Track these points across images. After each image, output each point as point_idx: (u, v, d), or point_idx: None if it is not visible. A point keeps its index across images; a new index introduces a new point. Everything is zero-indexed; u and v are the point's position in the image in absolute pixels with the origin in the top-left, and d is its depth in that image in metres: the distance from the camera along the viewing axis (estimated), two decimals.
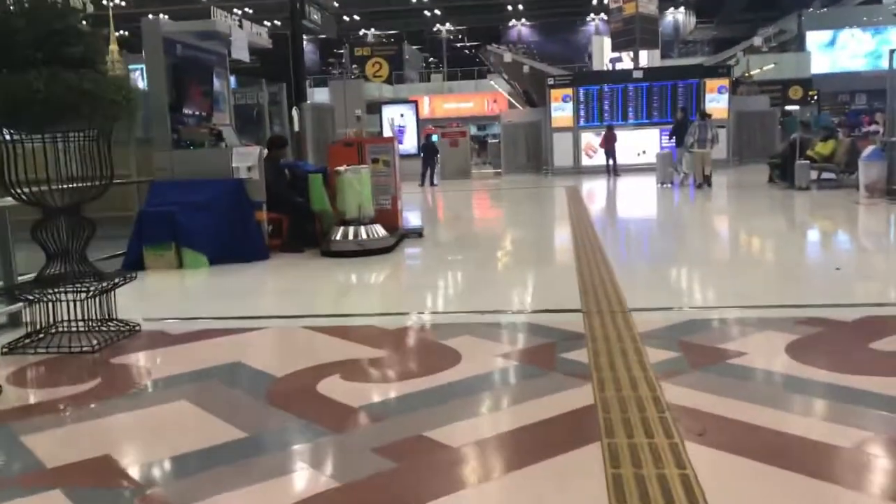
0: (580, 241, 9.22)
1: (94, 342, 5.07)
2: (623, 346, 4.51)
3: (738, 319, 5.22)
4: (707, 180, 16.86)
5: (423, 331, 5.20)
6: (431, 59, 64.31)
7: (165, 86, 8.87)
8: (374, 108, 26.12)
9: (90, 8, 5.83)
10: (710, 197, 15.42)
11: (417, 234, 10.23)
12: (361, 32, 61.52)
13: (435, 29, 61.34)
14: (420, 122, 26.09)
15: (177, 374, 4.42)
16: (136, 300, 6.86)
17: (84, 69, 4.88)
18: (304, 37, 62.00)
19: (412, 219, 12.90)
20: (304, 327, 5.43)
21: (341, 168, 8.95)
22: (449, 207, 16.79)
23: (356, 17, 59.68)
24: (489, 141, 34.36)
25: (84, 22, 5.16)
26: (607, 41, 43.79)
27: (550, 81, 24.77)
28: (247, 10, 45.49)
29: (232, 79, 15.67)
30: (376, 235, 8.86)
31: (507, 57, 27.16)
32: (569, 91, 24.72)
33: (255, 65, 13.02)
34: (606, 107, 24.62)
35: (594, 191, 19.13)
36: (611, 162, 22.37)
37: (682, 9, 57.13)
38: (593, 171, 23.57)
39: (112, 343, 5.15)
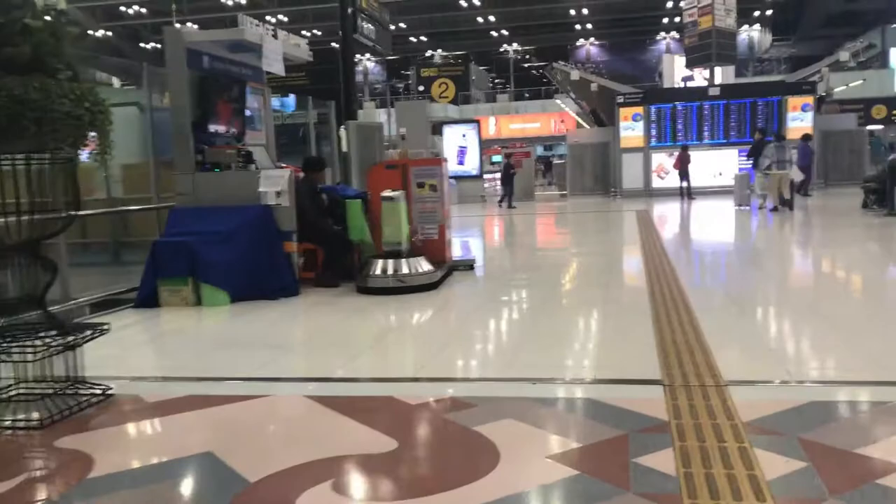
0: (655, 278, 7.90)
1: (45, 414, 4.02)
2: (724, 446, 3.24)
3: (878, 404, 3.87)
4: (788, 204, 15.66)
5: (454, 408, 4.00)
6: (498, 79, 63.35)
7: (189, 101, 7.92)
8: (439, 129, 25.19)
9: (62, 3, 4.91)
10: (798, 223, 13.86)
11: (468, 266, 9.05)
12: (428, 53, 60.99)
13: (502, 49, 60.38)
14: (482, 143, 24.93)
15: (120, 473, 3.32)
16: (127, 347, 5.86)
17: (32, 74, 3.87)
18: (372, 58, 61.68)
19: (464, 247, 11.74)
20: (309, 396, 4.29)
21: (387, 192, 7.85)
22: (509, 232, 15.57)
23: (423, 39, 59.18)
24: (554, 161, 33.04)
25: (48, 17, 4.15)
26: (679, 60, 42.05)
27: (620, 99, 23.39)
28: (281, 17, 45.18)
29: (291, 98, 14.90)
30: (419, 270, 7.72)
31: (575, 74, 25.89)
32: (639, 109, 23.29)
33: (304, 82, 12.09)
34: (680, 126, 23.11)
35: (667, 215, 17.67)
36: (684, 184, 20.85)
37: (757, 26, 54.94)
38: (665, 194, 22.06)
39: (70, 414, 4.10)
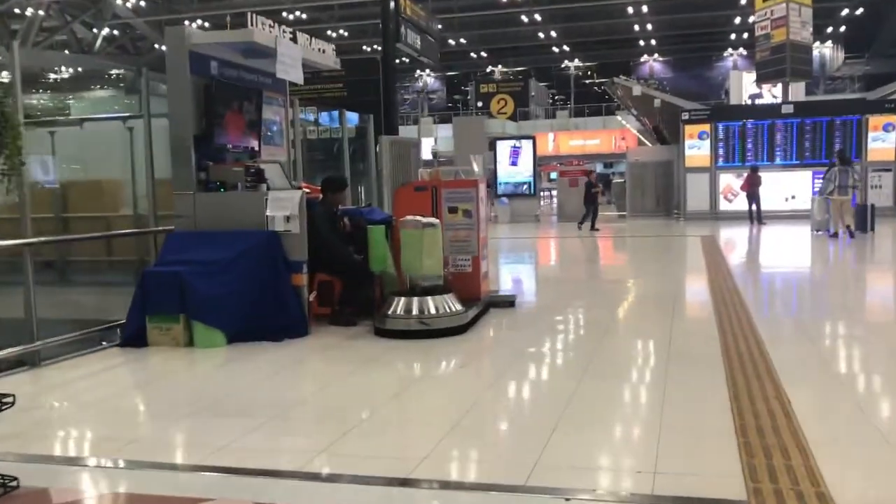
0: (728, 326, 6.59)
1: None
2: None
3: None
4: (849, 231, 14.80)
5: None
6: (558, 95, 61.98)
7: (192, 111, 6.92)
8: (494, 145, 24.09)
9: None
10: (883, 253, 12.29)
11: (508, 303, 7.86)
12: (489, 69, 60.00)
13: (563, 65, 59.02)
14: (538, 159, 23.70)
15: None
16: (69, 410, 4.81)
17: None
18: (431, 73, 60.91)
19: (506, 279, 10.52)
20: None
21: (411, 218, 6.72)
22: (560, 259, 14.29)
23: (483, 54, 58.15)
24: (613, 180, 31.54)
25: None
26: (747, 76, 40.14)
27: (685, 116, 21.89)
28: (342, 32, 44.36)
29: (329, 115, 13.90)
30: (447, 310, 6.54)
31: (637, 90, 24.50)
32: (706, 127, 21.75)
33: (341, 94, 11.07)
34: (749, 145, 21.49)
35: (736, 241, 16.15)
36: (754, 207, 19.27)
37: (829, 43, 52.49)
38: (732, 217, 20.46)
39: None
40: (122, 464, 3.74)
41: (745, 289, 9.03)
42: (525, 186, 22.95)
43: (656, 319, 7.29)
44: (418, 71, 59.07)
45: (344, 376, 5.41)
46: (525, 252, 15.64)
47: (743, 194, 20.18)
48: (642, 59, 60.29)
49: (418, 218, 6.71)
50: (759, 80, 26.24)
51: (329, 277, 7.32)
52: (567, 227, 20.78)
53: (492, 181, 23.48)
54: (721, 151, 21.67)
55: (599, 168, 49.53)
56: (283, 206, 6.70)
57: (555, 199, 28.71)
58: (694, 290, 9.57)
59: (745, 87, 38.51)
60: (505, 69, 59.24)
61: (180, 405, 4.79)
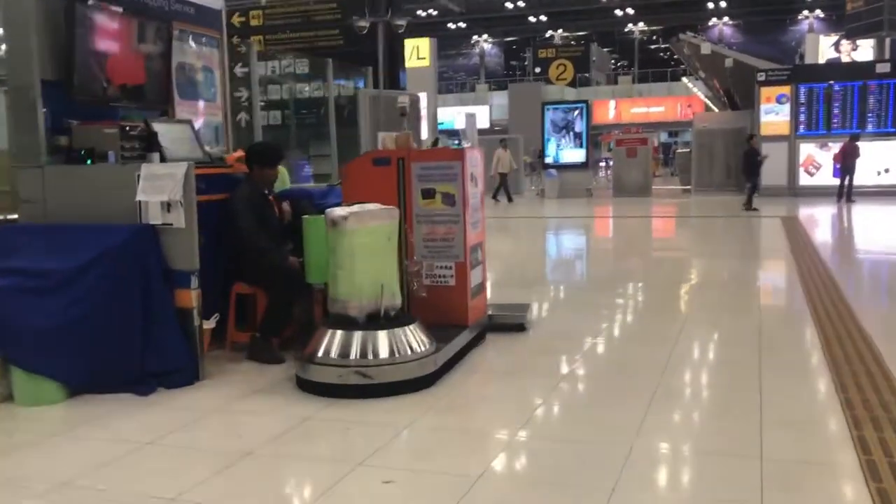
0: (828, 327, 4.00)
1: None
2: None
3: None
4: None
5: None
6: (621, 61, 58.29)
7: (41, 44, 4.58)
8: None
9: None
10: None
11: (518, 326, 5.38)
12: (548, 34, 56.59)
13: (626, 29, 55.22)
14: (592, 127, 20.89)
15: None
16: None
17: None
18: (490, 39, 58.15)
19: (524, 284, 8.00)
20: None
21: (340, 211, 4.26)
22: (602, 248, 11.64)
23: (543, 18, 54.76)
24: (677, 150, 28.45)
25: None
26: (824, 40, 36.25)
27: (761, 77, 18.81)
28: None
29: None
30: (407, 351, 4.10)
31: (706, 48, 21.37)
32: (785, 89, 18.65)
33: (336, 43, 8.66)
34: (836, 110, 18.34)
35: (826, 224, 13.27)
36: (846, 182, 16.25)
37: None
38: (814, 193, 17.43)
39: None
40: None
41: (849, 292, 6.35)
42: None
43: (735, 363, 4.68)
44: (475, 37, 56.11)
45: (205, 483, 3.01)
46: (561, 236, 13.03)
47: (828, 167, 17.17)
48: (711, 23, 55.96)
49: (343, 211, 4.23)
50: (850, 35, 22.70)
51: (251, 289, 4.96)
52: (621, 203, 18.02)
53: (541, 150, 20.85)
54: (802, 117, 18.59)
55: (664, 137, 46.19)
56: (159, 188, 4.33)
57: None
58: (779, 295, 6.92)
59: (823, 51, 34.70)
60: (565, 34, 55.75)
61: None
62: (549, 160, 20.33)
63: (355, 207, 4.33)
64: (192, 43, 5.79)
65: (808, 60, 34.66)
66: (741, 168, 15.72)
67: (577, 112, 20.32)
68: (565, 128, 20.18)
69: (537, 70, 51.88)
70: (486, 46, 57.40)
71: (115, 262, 4.21)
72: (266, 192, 5.11)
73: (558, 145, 20.27)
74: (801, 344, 5.09)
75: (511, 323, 5.41)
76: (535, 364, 4.67)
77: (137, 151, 4.80)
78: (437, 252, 4.82)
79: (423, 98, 27.77)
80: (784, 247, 9.81)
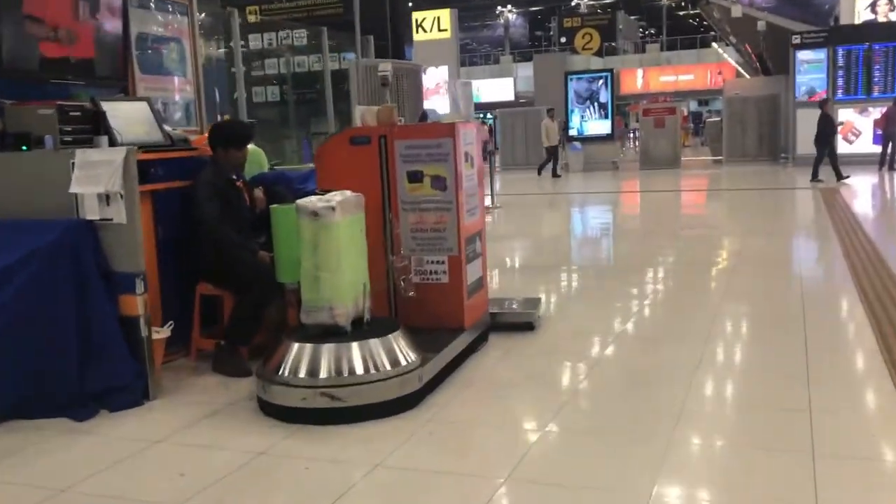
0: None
1: None
2: None
3: None
4: None
5: None
6: (649, 29, 56.63)
7: None
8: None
9: None
10: None
11: (527, 325, 4.69)
12: (574, 2, 55.10)
13: None
14: (616, 98, 19.94)
15: None
16: None
17: None
18: (513, 9, 57.05)
19: (538, 271, 7.29)
20: None
21: (321, 199, 3.58)
22: (628, 230, 10.85)
23: None
24: (707, 119, 27.34)
25: None
26: (859, 1, 34.68)
27: (796, 40, 17.73)
28: None
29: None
30: (384, 366, 3.43)
31: (737, 10, 20.23)
32: (822, 53, 17.56)
33: (336, 11, 7.98)
34: (877, 73, 17.23)
35: (867, 194, 12.33)
36: (889, 149, 15.25)
37: None
38: (853, 162, 16.36)
39: None
40: None
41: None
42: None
43: (782, 383, 3.96)
44: (499, 7, 54.82)
45: None
46: (582, 214, 12.25)
47: (867, 134, 16.15)
48: None
49: (326, 200, 3.55)
50: None
51: (217, 290, 4.32)
52: (650, 175, 17.13)
53: (566, 122, 19.97)
54: (840, 81, 17.49)
55: (693, 106, 44.86)
56: (95, 177, 3.68)
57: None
58: (827, 291, 6.14)
59: (859, 13, 33.19)
60: (591, 2, 54.25)
61: None
62: (573, 132, 19.45)
63: (336, 195, 3.65)
64: (155, 11, 5.12)
65: (844, 22, 33.17)
66: (815, 138, 14.10)
67: (601, 82, 19.39)
68: (589, 98, 19.28)
69: (563, 40, 50.59)
70: (511, 17, 56.10)
71: (46, 263, 3.58)
72: (234, 176, 4.45)
73: (582, 117, 19.38)
74: (856, 349, 4.33)
75: (520, 321, 4.72)
76: (541, 374, 3.97)
77: (83, 135, 4.15)
78: (428, 245, 4.12)
79: (444, 71, 26.96)
80: (824, 221, 8.98)
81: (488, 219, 10.96)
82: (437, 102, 26.02)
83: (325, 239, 3.55)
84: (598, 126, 19.36)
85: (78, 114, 4.14)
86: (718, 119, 22.20)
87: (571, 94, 19.34)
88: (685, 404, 3.41)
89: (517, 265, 7.54)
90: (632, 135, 31.93)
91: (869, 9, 30.27)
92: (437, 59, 26.40)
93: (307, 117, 8.79)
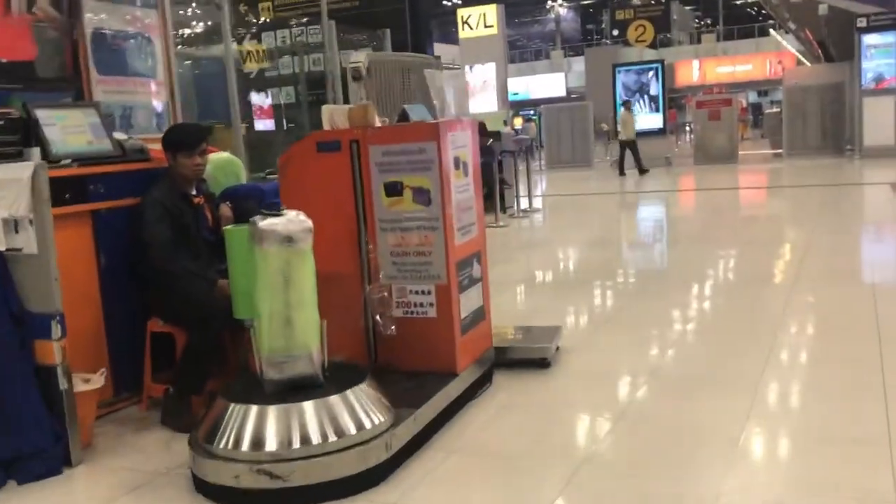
0: None
1: None
2: None
3: None
4: None
5: None
6: (704, 19, 54.75)
7: None
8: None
9: None
10: None
11: (540, 362, 3.90)
12: None
13: None
14: (667, 90, 18.84)
15: None
16: None
17: None
18: (564, 3, 56.01)
19: (564, 287, 6.48)
20: None
21: (280, 224, 2.86)
22: (674, 238, 9.90)
23: None
24: (766, 110, 25.92)
25: None
26: None
27: (861, 23, 16.43)
28: None
29: None
30: (343, 429, 2.70)
31: None
32: (890, 36, 16.24)
33: (353, 3, 7.33)
34: None
35: None
36: None
37: None
38: None
39: None
40: None
41: None
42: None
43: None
44: (549, 2, 53.65)
45: None
46: (625, 219, 11.33)
47: None
48: None
49: (299, 222, 2.83)
50: None
51: (168, 327, 3.64)
52: (705, 171, 16.04)
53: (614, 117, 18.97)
54: None
55: (752, 97, 43.10)
56: (1, 199, 3.03)
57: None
58: None
59: None
60: None
61: None
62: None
63: (291, 213, 2.94)
64: (116, 3, 4.48)
65: None
66: None
67: (651, 73, 18.33)
68: (639, 91, 18.24)
69: (615, 33, 49.14)
70: (562, 11, 54.88)
71: None
72: (191, 191, 3.76)
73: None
74: None
75: (529, 358, 3.93)
76: (549, 434, 3.18)
77: (9, 147, 3.52)
78: (410, 271, 3.37)
79: (492, 68, 26.12)
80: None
81: (524, 223, 10.15)
82: (481, 101, 25.33)
83: (300, 270, 2.86)
84: (650, 120, 18.30)
85: (1, 123, 3.50)
86: (778, 110, 20.90)
87: (620, 88, 18.33)
88: (725, 480, 2.58)
89: (546, 280, 6.71)
90: (687, 128, 30.58)
91: None
92: (484, 56, 25.63)
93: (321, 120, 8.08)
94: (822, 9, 18.45)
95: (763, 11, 38.99)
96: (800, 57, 30.36)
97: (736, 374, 3.70)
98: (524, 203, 11.01)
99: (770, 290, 5.50)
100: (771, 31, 37.32)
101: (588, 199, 13.35)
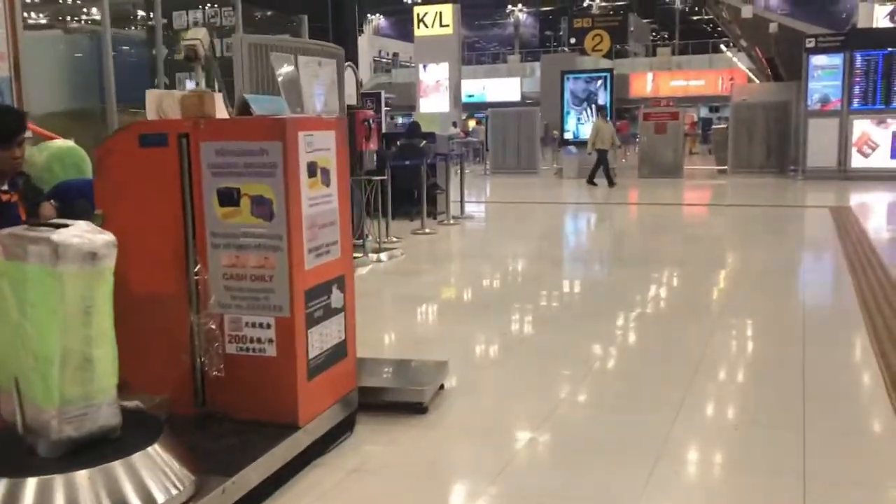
0: None
1: None
2: None
3: None
4: None
5: None
6: (661, 32, 55.01)
7: None
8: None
9: None
10: None
11: (414, 406, 3.29)
12: (586, 3, 53.53)
13: None
14: (613, 99, 18.44)
15: None
16: None
17: None
18: (524, 9, 55.89)
19: (474, 308, 5.90)
20: None
21: (76, 236, 2.19)
22: (611, 249, 9.43)
23: None
24: (714, 126, 25.82)
25: None
26: (879, 9, 33.13)
27: (810, 43, 16.22)
28: None
29: None
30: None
31: (747, 10, 18.69)
32: (837, 59, 16.06)
33: None
34: None
35: (885, 217, 10.89)
36: None
37: None
38: (868, 177, 14.91)
39: None
40: None
41: None
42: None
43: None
44: (509, 6, 53.32)
45: None
46: (556, 232, 10.85)
47: (890, 146, 14.69)
48: None
49: (100, 237, 2.18)
50: None
51: None
52: (648, 184, 15.68)
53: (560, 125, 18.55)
54: (857, 90, 15.96)
55: (704, 112, 43.28)
56: None
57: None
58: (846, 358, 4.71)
59: (877, 20, 31.65)
60: (603, 3, 52.74)
61: None
62: (568, 136, 18.01)
63: (82, 224, 2.28)
64: None
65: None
66: None
67: (600, 82, 17.92)
68: (587, 100, 17.82)
69: (572, 41, 49.00)
70: (521, 16, 54.63)
71: None
72: (3, 186, 3.08)
73: (578, 119, 17.93)
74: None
75: (402, 401, 3.33)
76: None
77: None
78: (247, 299, 2.74)
79: (445, 68, 25.50)
80: (835, 250, 7.55)
81: (454, 231, 9.57)
82: (434, 101, 24.73)
83: (102, 297, 2.20)
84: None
85: None
86: (725, 126, 20.70)
87: (567, 95, 17.90)
88: None
89: (453, 299, 6.07)
90: (638, 140, 30.42)
91: (888, 18, 28.68)
92: (438, 55, 24.99)
93: None
94: (773, 27, 18.33)
95: (718, 28, 39.19)
96: (750, 75, 30.45)
97: (639, 435, 3.14)
98: (456, 209, 10.43)
99: (693, 327, 4.98)
100: (723, 47, 37.48)
101: (526, 207, 12.84)
